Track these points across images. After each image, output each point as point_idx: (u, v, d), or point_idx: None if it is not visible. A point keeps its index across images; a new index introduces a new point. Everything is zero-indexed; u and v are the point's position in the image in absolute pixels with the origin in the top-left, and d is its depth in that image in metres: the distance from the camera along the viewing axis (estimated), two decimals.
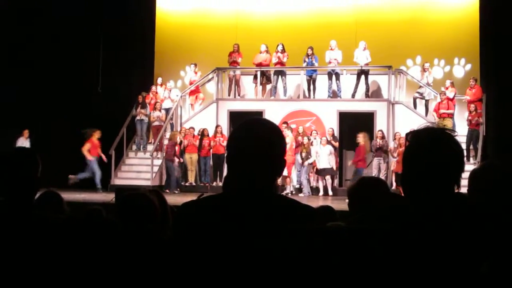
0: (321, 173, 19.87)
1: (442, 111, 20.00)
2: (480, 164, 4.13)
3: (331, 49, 21.69)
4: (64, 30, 22.13)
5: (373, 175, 17.32)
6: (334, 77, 21.53)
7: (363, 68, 21.33)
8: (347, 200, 4.55)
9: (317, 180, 20.24)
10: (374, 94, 22.30)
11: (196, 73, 23.24)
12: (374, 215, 2.75)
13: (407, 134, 2.78)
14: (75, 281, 3.11)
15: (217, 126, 20.83)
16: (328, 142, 19.82)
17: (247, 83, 23.07)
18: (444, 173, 2.63)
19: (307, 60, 21.69)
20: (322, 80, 21.84)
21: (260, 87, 22.37)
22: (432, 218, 2.54)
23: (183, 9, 25.19)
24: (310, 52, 21.60)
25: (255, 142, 2.60)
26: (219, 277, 2.47)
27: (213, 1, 24.90)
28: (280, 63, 22.02)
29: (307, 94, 22.02)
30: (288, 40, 22.41)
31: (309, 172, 20.00)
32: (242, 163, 2.60)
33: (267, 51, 22.22)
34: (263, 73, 22.31)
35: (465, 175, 3.07)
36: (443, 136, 2.70)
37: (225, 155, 2.76)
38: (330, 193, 19.65)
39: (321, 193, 19.90)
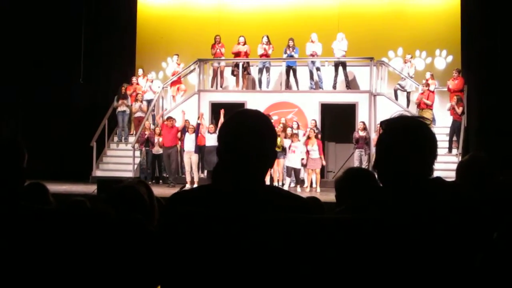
0: (312, 164, 19.58)
1: (422, 97, 20.07)
2: (467, 156, 4.17)
3: (312, 41, 21.72)
4: (45, 21, 21.97)
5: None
6: (314, 70, 21.56)
7: (339, 59, 21.42)
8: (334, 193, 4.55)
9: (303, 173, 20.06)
10: (355, 85, 22.37)
11: (178, 64, 23.20)
12: (358, 205, 2.76)
13: (381, 123, 2.80)
14: (62, 271, 3.09)
15: (200, 114, 20.67)
16: (316, 135, 19.64)
17: (227, 75, 23.05)
18: (417, 160, 2.65)
19: (288, 51, 21.72)
20: (303, 72, 21.88)
21: (240, 79, 22.33)
22: (408, 204, 2.56)
23: (164, 1, 25.12)
24: (291, 43, 21.64)
25: (247, 134, 2.59)
26: (210, 268, 2.46)
27: None
28: (266, 55, 22.02)
29: (287, 85, 22.02)
30: (271, 32, 22.40)
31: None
32: (233, 155, 2.59)
33: (245, 43, 22.21)
34: (242, 65, 22.27)
35: (449, 166, 3.07)
36: (416, 124, 2.73)
37: (216, 146, 2.72)
38: (318, 189, 19.13)
39: (306, 184, 19.82)
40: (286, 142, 19.25)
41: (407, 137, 2.68)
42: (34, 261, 3.09)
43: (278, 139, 18.96)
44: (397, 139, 2.69)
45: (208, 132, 19.67)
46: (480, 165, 4.02)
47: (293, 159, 19.13)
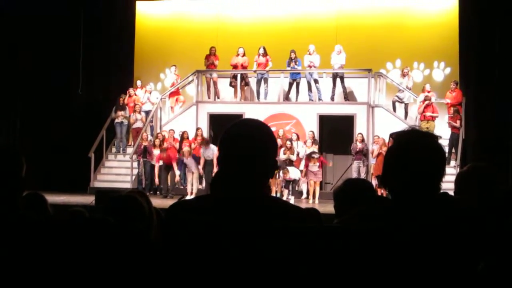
0: (312, 177, 19.66)
1: (428, 113, 20.15)
2: (467, 166, 4.16)
3: (309, 53, 21.74)
4: (44, 31, 21.97)
5: None
6: (312, 82, 21.56)
7: (337, 71, 21.44)
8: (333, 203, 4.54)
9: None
10: (354, 97, 22.37)
11: (177, 75, 23.22)
12: (360, 216, 2.75)
13: (391, 134, 2.80)
14: (62, 280, 3.07)
15: (197, 129, 20.75)
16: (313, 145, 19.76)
17: (226, 86, 23.04)
18: (426, 175, 2.66)
19: (292, 64, 21.70)
20: (302, 84, 21.89)
21: (238, 90, 22.34)
22: (416, 218, 2.56)
23: (163, 13, 25.16)
24: (293, 55, 21.62)
25: (248, 143, 2.58)
26: (211, 276, 2.45)
27: (194, 5, 24.86)
28: (263, 65, 22.01)
29: (289, 97, 22.06)
30: (269, 43, 22.42)
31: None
32: (234, 164, 2.59)
33: (244, 54, 22.23)
34: (241, 76, 22.30)
35: (447, 178, 3.08)
36: (427, 138, 2.72)
37: (217, 155, 2.73)
38: (317, 201, 19.25)
39: (304, 196, 19.90)
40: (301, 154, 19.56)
41: (417, 151, 2.68)
42: (33, 270, 3.07)
43: (284, 153, 19.14)
44: (407, 153, 2.70)
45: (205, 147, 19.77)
46: (480, 175, 4.00)
47: (292, 172, 19.19)
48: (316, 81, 21.57)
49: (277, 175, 19.02)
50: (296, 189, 19.86)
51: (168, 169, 20.05)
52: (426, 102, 20.34)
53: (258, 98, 22.31)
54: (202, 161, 19.69)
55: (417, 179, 2.64)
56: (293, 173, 19.17)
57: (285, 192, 19.33)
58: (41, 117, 21.72)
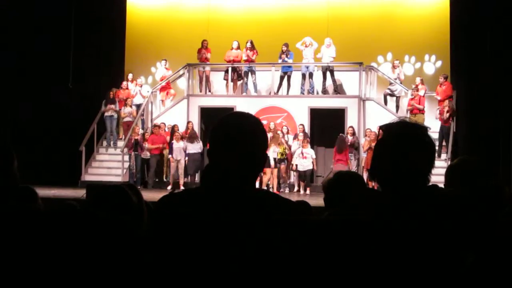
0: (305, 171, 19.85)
1: (413, 102, 20.20)
2: (457, 159, 4.18)
3: (306, 45, 21.74)
4: (34, 25, 21.87)
5: None
6: (307, 75, 21.55)
7: (328, 64, 21.45)
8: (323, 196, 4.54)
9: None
10: (345, 90, 22.38)
11: (167, 69, 23.17)
12: (350, 209, 2.76)
13: (381, 127, 2.81)
14: (48, 272, 3.06)
15: (188, 122, 20.75)
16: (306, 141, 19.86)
17: (218, 80, 23.03)
18: (415, 167, 2.66)
19: (283, 56, 21.71)
20: (294, 77, 21.90)
21: (231, 84, 22.36)
22: (405, 210, 2.57)
23: (154, 4, 25.09)
24: (285, 49, 21.63)
25: (238, 136, 2.58)
26: (200, 270, 2.45)
27: None
28: (249, 60, 21.99)
29: (280, 91, 22.03)
30: (260, 35, 22.44)
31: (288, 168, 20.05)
32: (224, 156, 2.58)
33: (238, 47, 22.21)
34: (234, 70, 22.30)
35: (438, 171, 3.09)
36: (416, 130, 2.71)
37: (207, 148, 2.71)
38: (308, 192, 19.52)
39: (296, 188, 19.97)
40: (293, 147, 19.89)
41: (406, 143, 2.68)
42: (22, 263, 3.07)
43: (283, 147, 19.26)
44: (397, 145, 2.70)
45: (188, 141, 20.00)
46: (469, 168, 4.02)
47: (305, 164, 19.50)
48: (311, 75, 21.52)
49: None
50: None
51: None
52: (410, 96, 20.43)
53: (246, 90, 22.25)
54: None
55: (407, 171, 2.65)
56: (306, 165, 19.48)
57: (301, 186, 19.68)
58: (31, 110, 21.61)
